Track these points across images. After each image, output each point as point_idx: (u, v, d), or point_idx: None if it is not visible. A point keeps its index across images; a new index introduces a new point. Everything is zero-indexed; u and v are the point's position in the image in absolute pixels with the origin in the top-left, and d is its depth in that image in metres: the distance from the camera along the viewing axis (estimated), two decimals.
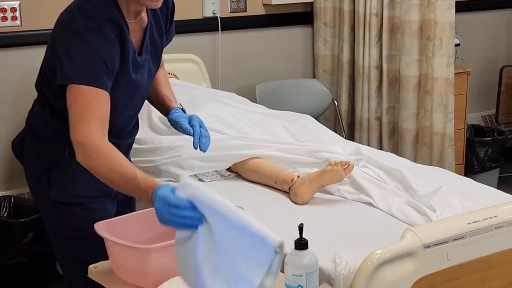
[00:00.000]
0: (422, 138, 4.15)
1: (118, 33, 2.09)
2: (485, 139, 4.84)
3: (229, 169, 2.96)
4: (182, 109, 2.39)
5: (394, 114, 4.27)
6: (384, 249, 2.01)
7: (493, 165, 4.83)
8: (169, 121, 2.36)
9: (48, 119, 2.22)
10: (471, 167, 4.76)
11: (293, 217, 2.56)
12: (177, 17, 4.12)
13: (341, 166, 2.62)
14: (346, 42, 4.44)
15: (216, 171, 2.94)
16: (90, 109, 1.99)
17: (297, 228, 1.79)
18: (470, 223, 2.12)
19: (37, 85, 2.27)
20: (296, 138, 3.11)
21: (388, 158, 3.03)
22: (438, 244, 2.05)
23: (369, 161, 2.85)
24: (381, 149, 4.17)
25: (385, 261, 1.99)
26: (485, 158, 4.80)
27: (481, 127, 5.09)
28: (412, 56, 4.06)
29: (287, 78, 4.58)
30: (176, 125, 2.33)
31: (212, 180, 2.90)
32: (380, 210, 2.56)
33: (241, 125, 3.12)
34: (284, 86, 4.44)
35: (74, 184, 2.22)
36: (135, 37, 2.19)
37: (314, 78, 4.70)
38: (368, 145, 4.17)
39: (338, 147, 2.98)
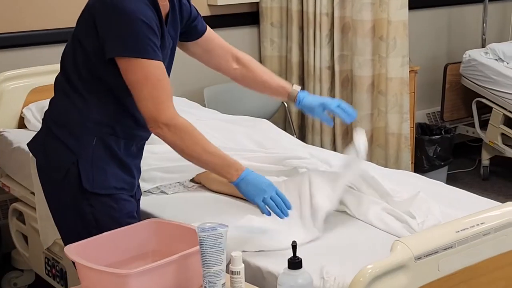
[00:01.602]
0: (377, 140, 4.09)
1: (153, 5, 2.14)
2: (433, 137, 4.84)
3: (192, 180, 2.83)
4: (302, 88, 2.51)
5: None
6: (376, 263, 1.91)
7: (442, 163, 4.83)
8: (299, 107, 2.49)
9: (76, 109, 2.19)
10: (421, 166, 4.75)
11: None
12: None
13: None
14: (294, 43, 4.36)
15: (179, 182, 2.80)
16: (163, 86, 2.11)
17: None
18: (458, 231, 2.05)
19: (67, 75, 2.22)
20: (259, 145, 3.00)
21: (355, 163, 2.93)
22: (429, 255, 1.97)
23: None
24: (335, 151, 4.09)
25: (377, 276, 1.88)
26: (434, 156, 4.80)
27: (427, 125, 5.09)
28: (365, 56, 4.01)
29: None
30: (312, 113, 2.49)
31: (175, 192, 2.77)
32: (357, 218, 2.47)
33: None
34: (232, 89, 4.32)
35: (104, 175, 2.20)
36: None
37: None
38: (322, 147, 4.09)
39: (305, 153, 2.87)
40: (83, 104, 2.18)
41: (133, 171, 2.30)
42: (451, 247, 2.02)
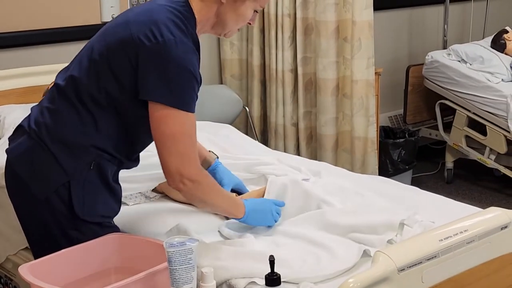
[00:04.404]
0: (342, 144, 3.98)
1: (197, 51, 2.09)
2: (397, 141, 4.75)
3: (154, 190, 2.67)
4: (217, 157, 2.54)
5: (311, 120, 4.09)
6: (357, 276, 1.78)
7: (407, 167, 4.75)
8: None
9: (84, 130, 2.08)
10: (385, 170, 4.65)
11: None
12: (73, 22, 3.80)
13: None
14: (255, 45, 4.23)
15: (140, 192, 2.64)
16: (193, 142, 2.05)
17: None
18: (442, 240, 1.94)
19: (78, 89, 2.08)
20: (224, 151, 2.86)
21: (324, 168, 2.82)
22: (413, 266, 1.86)
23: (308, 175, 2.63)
24: (299, 156, 3.98)
25: None
26: (399, 160, 4.71)
27: (390, 128, 5.01)
28: (329, 58, 3.89)
29: None
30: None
31: (136, 203, 2.60)
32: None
33: None
34: None
35: (93, 203, 2.12)
36: None
37: (222, 84, 4.45)
38: (285, 152, 3.97)
39: (272, 159, 2.74)
40: (93, 128, 2.08)
41: (120, 195, 2.24)
42: (435, 256, 1.91)
